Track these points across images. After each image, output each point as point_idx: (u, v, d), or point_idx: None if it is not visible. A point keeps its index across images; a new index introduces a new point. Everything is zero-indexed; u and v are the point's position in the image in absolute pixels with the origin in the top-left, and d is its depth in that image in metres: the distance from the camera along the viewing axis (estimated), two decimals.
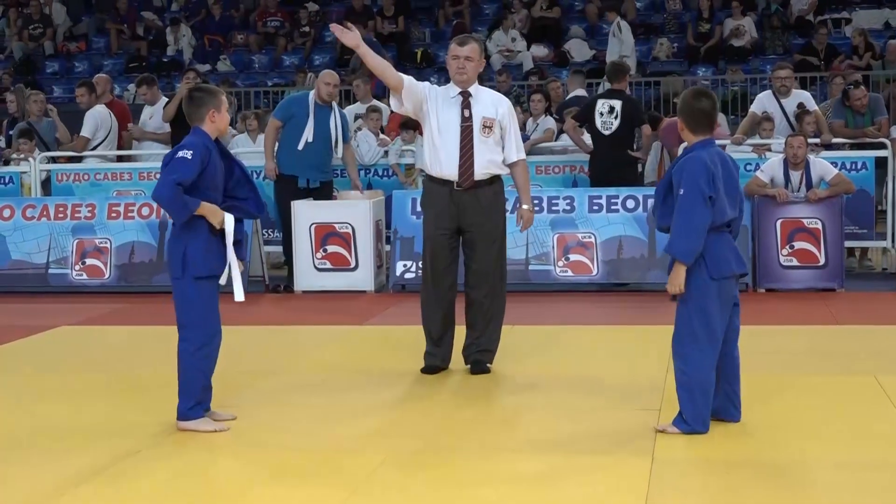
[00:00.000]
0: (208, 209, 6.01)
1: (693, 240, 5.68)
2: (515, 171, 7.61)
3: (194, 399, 6.10)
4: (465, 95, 7.47)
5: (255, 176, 12.74)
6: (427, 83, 7.64)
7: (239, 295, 6.14)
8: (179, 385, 6.13)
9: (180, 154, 5.96)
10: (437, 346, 7.63)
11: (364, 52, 7.28)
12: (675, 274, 5.75)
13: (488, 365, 7.62)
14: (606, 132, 11.73)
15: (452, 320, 7.66)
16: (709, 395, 5.85)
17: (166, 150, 13.43)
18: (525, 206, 7.65)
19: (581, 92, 14.16)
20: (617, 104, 11.80)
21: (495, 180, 7.57)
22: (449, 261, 7.56)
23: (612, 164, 11.70)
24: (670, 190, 5.80)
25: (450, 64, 7.52)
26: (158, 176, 6.05)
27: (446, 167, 7.41)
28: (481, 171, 7.43)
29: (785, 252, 11.00)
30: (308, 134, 11.49)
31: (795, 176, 11.16)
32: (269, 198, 12.44)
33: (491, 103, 7.52)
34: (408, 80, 7.49)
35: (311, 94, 11.69)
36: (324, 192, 11.75)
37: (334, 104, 11.79)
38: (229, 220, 6.11)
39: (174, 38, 21.57)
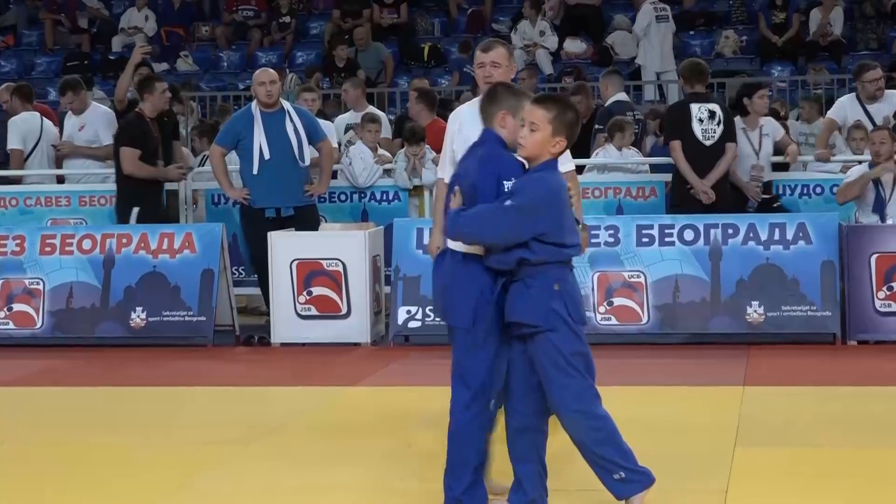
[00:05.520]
0: None
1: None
2: None
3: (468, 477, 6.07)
4: None
5: (223, 202, 12.79)
6: (452, 115, 8.10)
7: None
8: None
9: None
10: None
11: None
12: None
13: None
14: (709, 142, 11.66)
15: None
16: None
17: (108, 170, 13.45)
18: (577, 226, 7.90)
19: (622, 96, 14.11)
20: (716, 108, 11.80)
21: None
22: None
23: (718, 184, 11.63)
24: None
25: (476, 73, 8.01)
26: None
27: None
28: None
29: (882, 295, 10.98)
30: (261, 150, 11.54)
31: (889, 181, 11.12)
32: (238, 225, 12.43)
33: None
34: (445, 171, 7.97)
35: (253, 104, 11.78)
36: (303, 220, 11.76)
37: (286, 104, 11.86)
38: None
39: (129, 19, 21.63)
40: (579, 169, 12.97)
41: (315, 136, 11.89)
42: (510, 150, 6.06)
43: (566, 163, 8.02)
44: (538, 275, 5.80)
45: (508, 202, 5.77)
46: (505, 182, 5.93)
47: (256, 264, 11.70)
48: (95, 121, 13.42)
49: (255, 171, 11.59)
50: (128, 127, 12.30)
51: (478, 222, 5.80)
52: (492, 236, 5.80)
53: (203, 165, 13.40)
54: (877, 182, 11.22)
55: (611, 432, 5.89)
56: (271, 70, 12.22)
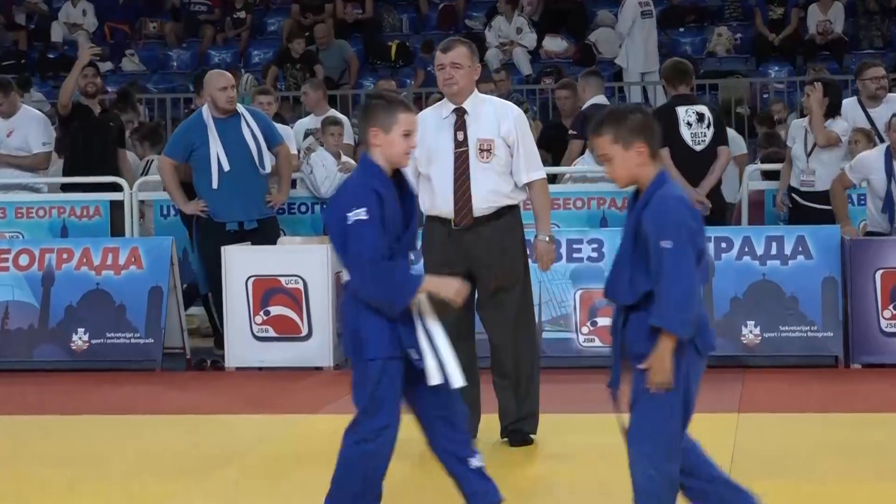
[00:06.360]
0: (436, 283, 6.15)
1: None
2: (531, 194, 8.15)
3: None
4: (460, 114, 8.02)
5: (172, 213, 12.72)
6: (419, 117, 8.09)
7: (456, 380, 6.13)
8: (331, 483, 6.21)
9: (352, 218, 5.91)
10: None
11: None
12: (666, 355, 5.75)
13: (532, 435, 8.22)
14: (699, 147, 11.70)
15: (476, 380, 8.11)
16: None
17: (39, 180, 13.38)
18: (541, 237, 8.17)
19: (601, 99, 14.13)
20: (704, 110, 11.85)
21: (505, 212, 8.09)
22: (457, 313, 7.72)
23: (712, 192, 11.65)
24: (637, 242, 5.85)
25: (437, 75, 8.15)
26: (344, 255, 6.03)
27: (440, 203, 8.03)
28: (483, 204, 8.00)
29: (888, 314, 11.01)
30: (220, 161, 11.47)
31: None
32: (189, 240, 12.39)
33: (493, 118, 8.05)
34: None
35: (204, 109, 11.72)
36: (264, 233, 11.74)
37: (241, 108, 11.82)
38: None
39: (66, 15, 21.58)
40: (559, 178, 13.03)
41: (273, 141, 11.86)
42: (386, 172, 6.02)
43: (537, 171, 8.15)
44: None
45: (665, 245, 5.59)
46: (348, 215, 5.87)
47: (213, 282, 11.62)
48: (25, 126, 13.31)
49: (214, 185, 11.53)
50: None
51: (687, 298, 5.64)
52: (694, 286, 5.66)
53: (147, 173, 13.34)
54: (890, 174, 11.14)
55: (669, 492, 5.77)
56: (226, 73, 12.13)
